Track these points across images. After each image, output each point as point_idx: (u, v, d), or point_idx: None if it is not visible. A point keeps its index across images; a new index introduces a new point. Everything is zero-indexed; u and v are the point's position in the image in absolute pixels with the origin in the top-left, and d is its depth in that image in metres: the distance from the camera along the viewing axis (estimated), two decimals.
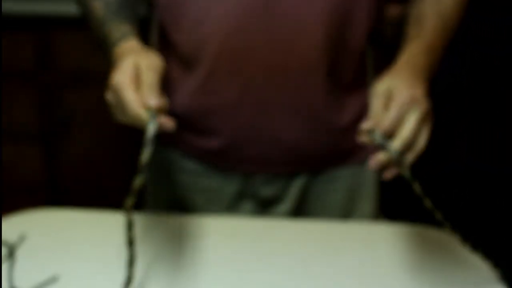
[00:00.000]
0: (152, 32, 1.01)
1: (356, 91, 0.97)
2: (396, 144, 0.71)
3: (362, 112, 0.97)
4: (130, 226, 0.73)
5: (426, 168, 2.24)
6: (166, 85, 0.97)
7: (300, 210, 1.03)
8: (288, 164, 0.98)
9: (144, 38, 0.88)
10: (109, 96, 0.76)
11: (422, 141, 0.73)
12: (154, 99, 0.72)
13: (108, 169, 1.84)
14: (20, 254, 0.84)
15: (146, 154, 0.69)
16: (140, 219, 0.93)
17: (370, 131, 0.72)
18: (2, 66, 1.73)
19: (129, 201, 0.71)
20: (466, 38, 2.04)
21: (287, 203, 1.01)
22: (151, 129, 0.70)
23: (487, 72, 2.13)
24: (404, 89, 0.74)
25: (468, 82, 2.13)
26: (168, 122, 0.72)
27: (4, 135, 1.81)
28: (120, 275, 0.81)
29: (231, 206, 1.02)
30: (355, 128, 0.97)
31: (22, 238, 0.86)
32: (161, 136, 1.02)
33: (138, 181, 0.70)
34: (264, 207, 1.02)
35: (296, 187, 1.01)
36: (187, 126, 0.98)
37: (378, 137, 0.71)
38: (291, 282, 0.81)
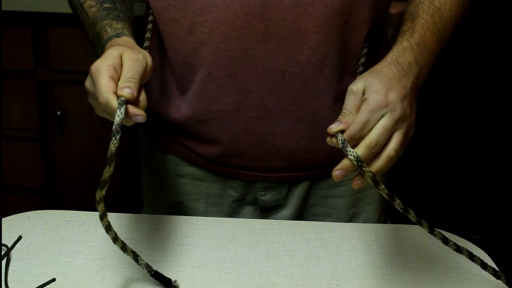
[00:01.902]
0: (146, 34, 0.99)
1: None
2: (359, 150, 0.68)
3: None
4: (103, 216, 0.71)
5: (426, 167, 2.24)
6: (163, 91, 0.96)
7: (302, 216, 1.02)
8: (289, 171, 0.97)
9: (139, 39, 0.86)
10: (87, 82, 0.73)
11: (391, 148, 0.70)
12: (127, 89, 0.68)
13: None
14: (17, 255, 0.83)
15: (114, 143, 0.67)
16: (139, 220, 0.93)
17: (336, 135, 0.70)
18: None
19: (100, 193, 0.69)
20: (466, 36, 2.04)
21: (289, 209, 1.01)
22: (117, 115, 0.66)
23: (486, 71, 2.13)
24: (377, 92, 0.70)
25: (467, 82, 2.13)
26: (139, 113, 0.68)
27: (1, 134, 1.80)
28: (117, 275, 0.80)
29: (232, 212, 1.01)
30: None
31: (18, 239, 0.85)
32: (160, 142, 1.02)
33: (107, 172, 0.68)
34: (266, 213, 1.02)
35: (298, 193, 1.00)
36: (186, 133, 0.97)
37: (340, 141, 0.69)
38: (291, 283, 0.81)
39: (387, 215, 1.07)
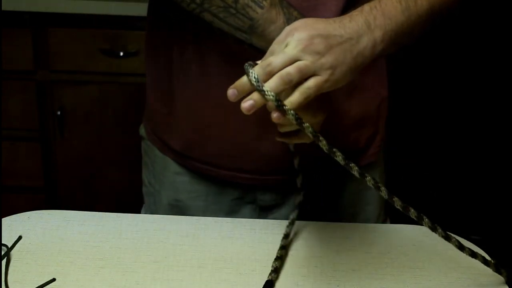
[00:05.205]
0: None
1: (358, 93, 0.94)
2: (256, 67, 0.70)
3: (365, 114, 0.96)
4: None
5: (426, 167, 2.24)
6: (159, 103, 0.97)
7: (302, 215, 1.01)
8: (286, 173, 0.97)
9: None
10: None
11: (286, 70, 0.69)
12: None
13: (105, 168, 1.84)
14: (17, 255, 0.83)
15: None
16: (139, 220, 0.93)
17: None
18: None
19: None
20: (465, 35, 2.04)
21: (289, 208, 1.00)
22: None
23: (486, 72, 2.13)
24: (293, 25, 0.71)
25: (468, 82, 2.13)
26: None
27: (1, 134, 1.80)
28: (117, 275, 0.80)
29: (232, 210, 1.01)
30: (357, 131, 0.96)
31: (18, 239, 0.85)
32: (160, 145, 1.03)
33: None
34: (265, 211, 1.01)
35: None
36: (181, 140, 0.97)
37: (247, 64, 0.71)
38: (291, 283, 0.81)
39: (386, 214, 1.07)
